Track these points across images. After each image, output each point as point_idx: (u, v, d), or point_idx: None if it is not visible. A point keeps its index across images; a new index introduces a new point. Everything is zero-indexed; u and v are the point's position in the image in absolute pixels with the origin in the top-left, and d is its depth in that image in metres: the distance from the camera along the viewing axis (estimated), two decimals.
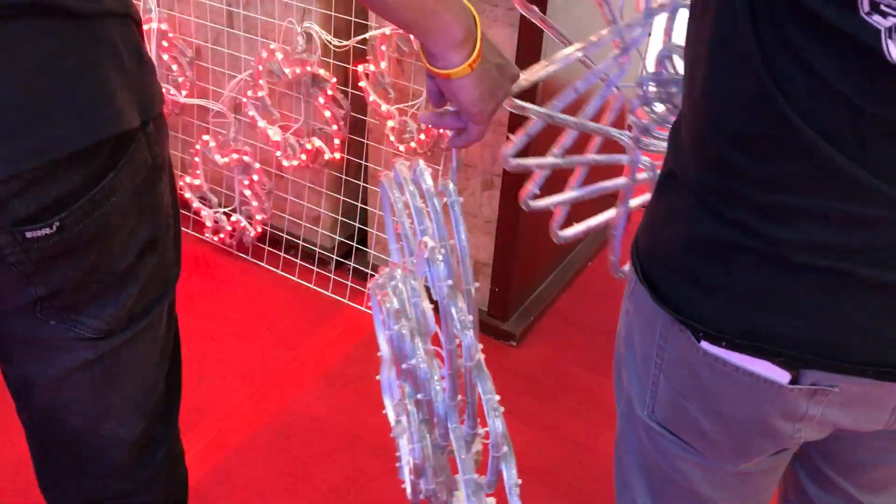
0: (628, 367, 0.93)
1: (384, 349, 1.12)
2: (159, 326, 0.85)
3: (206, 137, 2.15)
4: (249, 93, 2.04)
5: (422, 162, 0.89)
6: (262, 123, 2.05)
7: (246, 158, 2.12)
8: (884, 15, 0.60)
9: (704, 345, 0.78)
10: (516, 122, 1.77)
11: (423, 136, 1.86)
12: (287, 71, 1.94)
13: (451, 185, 0.87)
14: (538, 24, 1.25)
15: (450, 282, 0.81)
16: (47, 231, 0.67)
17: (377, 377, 1.16)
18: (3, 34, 0.62)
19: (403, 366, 0.85)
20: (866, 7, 0.60)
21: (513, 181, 1.86)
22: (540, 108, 1.23)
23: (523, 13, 1.21)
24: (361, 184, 2.08)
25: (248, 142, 2.13)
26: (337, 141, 1.98)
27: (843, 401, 0.79)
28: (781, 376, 0.77)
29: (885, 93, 0.64)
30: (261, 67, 1.98)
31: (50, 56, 0.64)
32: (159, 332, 0.85)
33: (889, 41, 0.61)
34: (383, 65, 1.84)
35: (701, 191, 0.75)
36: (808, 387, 0.77)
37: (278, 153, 2.05)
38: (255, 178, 2.13)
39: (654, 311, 0.82)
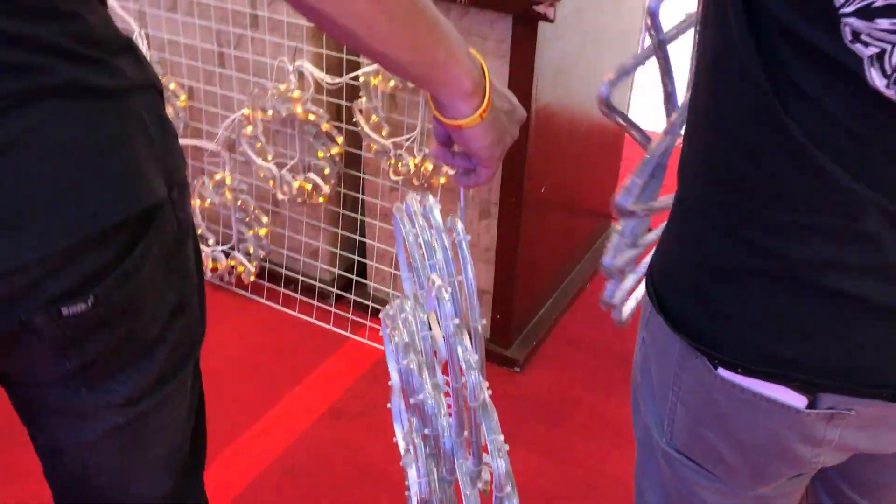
0: (645, 395, 0.94)
1: (394, 378, 1.13)
2: (186, 385, 0.86)
3: (201, 177, 2.17)
4: (243, 131, 2.05)
5: (432, 197, 0.90)
6: (257, 161, 2.06)
7: (242, 196, 2.13)
8: (865, 44, 0.62)
9: (721, 371, 0.79)
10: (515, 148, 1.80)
11: (420, 167, 1.88)
12: (280, 109, 1.95)
13: (459, 223, 0.89)
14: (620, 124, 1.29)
15: (456, 320, 0.82)
16: (83, 307, 0.68)
17: (388, 405, 1.17)
18: (34, 115, 0.63)
19: (412, 400, 0.87)
20: (848, 36, 0.62)
21: (510, 210, 1.88)
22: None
23: (604, 115, 1.24)
24: (359, 217, 2.10)
25: (244, 180, 2.15)
26: (332, 176, 2.00)
27: (860, 424, 0.80)
28: (798, 401, 0.78)
29: (874, 117, 0.65)
30: (253, 106, 2.00)
31: (80, 134, 0.65)
32: (186, 391, 0.86)
33: (872, 69, 0.63)
34: (376, 100, 1.86)
35: (710, 211, 0.77)
36: (825, 411, 0.78)
37: (274, 190, 2.07)
38: (252, 216, 2.14)
39: (670, 338, 0.83)
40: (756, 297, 0.76)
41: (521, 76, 1.70)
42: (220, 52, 2.05)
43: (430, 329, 0.89)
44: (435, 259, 0.88)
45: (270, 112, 1.98)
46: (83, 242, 0.66)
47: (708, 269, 0.79)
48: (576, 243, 2.37)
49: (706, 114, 0.74)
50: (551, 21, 1.58)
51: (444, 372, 0.87)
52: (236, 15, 1.97)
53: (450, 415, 0.85)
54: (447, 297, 0.82)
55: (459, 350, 0.80)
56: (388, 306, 0.93)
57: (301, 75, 1.93)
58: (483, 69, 0.74)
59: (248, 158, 2.08)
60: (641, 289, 1.38)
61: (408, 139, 1.89)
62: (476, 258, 2.01)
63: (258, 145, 2.05)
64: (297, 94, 1.93)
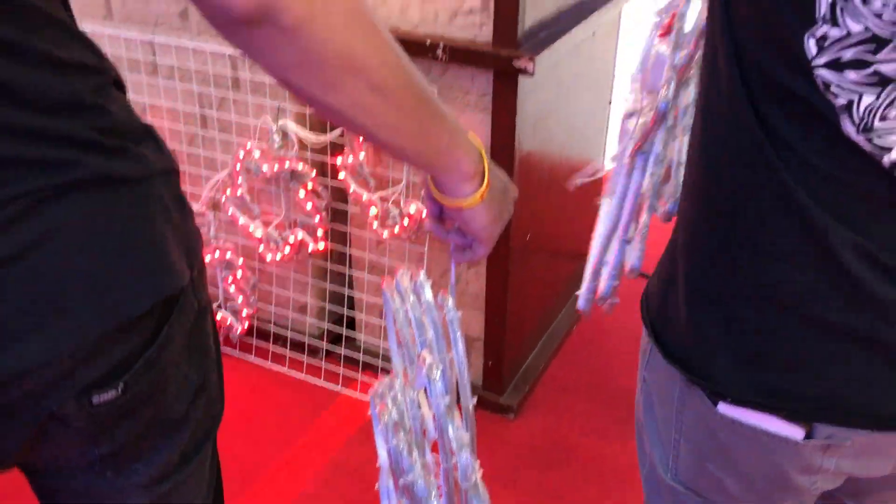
0: (649, 432, 0.96)
1: (383, 458, 1.11)
2: (206, 462, 0.86)
3: None
4: (228, 191, 2.06)
5: (423, 274, 0.91)
6: (242, 220, 2.07)
7: (228, 255, 2.13)
8: (835, 95, 0.65)
9: (721, 408, 0.81)
10: None
11: (406, 222, 1.90)
12: (265, 168, 1.97)
13: (450, 300, 0.90)
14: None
15: (447, 399, 0.83)
16: (113, 394, 0.68)
17: (376, 486, 1.16)
18: (62, 210, 0.64)
19: (401, 481, 0.86)
20: (821, 86, 0.65)
21: (497, 257, 1.90)
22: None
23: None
24: (347, 270, 2.11)
25: (230, 238, 2.15)
26: (320, 231, 2.01)
27: (854, 452, 0.82)
28: (796, 433, 0.80)
29: (849, 162, 0.68)
30: (238, 167, 2.01)
31: (108, 225, 0.66)
32: (206, 467, 0.86)
33: (843, 117, 0.66)
34: (361, 155, 1.88)
35: (703, 243, 0.80)
36: (822, 441, 0.80)
37: (261, 248, 2.07)
38: (239, 273, 2.14)
39: (670, 374, 0.85)
40: (749, 328, 0.78)
41: (504, 128, 1.74)
42: (203, 114, 2.07)
43: (420, 408, 0.89)
44: (425, 336, 0.89)
45: (254, 171, 1.99)
46: (113, 332, 0.67)
47: (701, 300, 0.81)
48: (560, 287, 2.40)
49: (700, 153, 0.78)
50: (531, 75, 1.62)
51: (434, 450, 0.87)
52: (218, 77, 2.00)
53: (440, 496, 0.86)
54: (438, 375, 0.83)
55: (450, 429, 0.81)
56: (376, 383, 0.93)
57: (285, 134, 1.95)
58: (481, 151, 0.77)
59: (233, 218, 2.08)
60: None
61: (394, 192, 1.91)
62: (466, 305, 2.02)
63: (243, 204, 2.06)
64: (281, 152, 1.95)
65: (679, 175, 1.23)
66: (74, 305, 0.64)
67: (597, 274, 1.41)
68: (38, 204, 0.62)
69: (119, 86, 0.72)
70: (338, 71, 0.61)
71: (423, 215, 1.87)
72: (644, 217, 1.30)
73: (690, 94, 1.15)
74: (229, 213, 2.08)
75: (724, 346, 0.80)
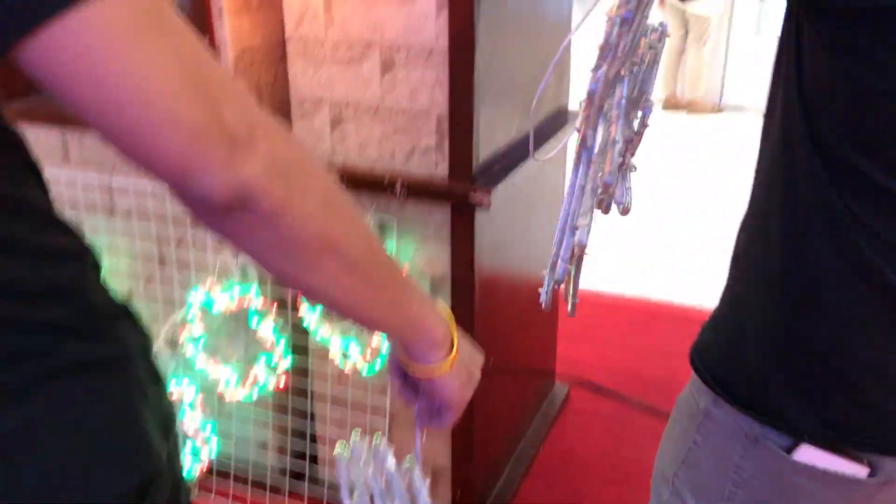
0: (691, 493, 0.99)
1: None
2: None
3: None
4: (186, 330, 2.04)
5: (384, 443, 0.90)
6: (200, 359, 2.04)
7: (186, 395, 2.09)
8: None
9: (796, 455, 0.88)
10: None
11: (368, 354, 1.89)
12: (224, 305, 1.96)
13: (416, 471, 0.88)
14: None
15: None
16: None
17: None
18: (43, 399, 0.62)
19: None
20: None
21: None
22: None
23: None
24: (308, 405, 2.08)
25: (189, 377, 2.11)
26: (280, 367, 1.99)
27: None
28: (861, 472, 0.88)
29: None
30: (197, 304, 2.00)
31: (87, 411, 0.65)
32: None
33: None
34: None
35: (782, 311, 0.87)
36: (883, 479, 0.88)
37: (220, 386, 2.04)
38: (199, 413, 2.09)
39: (733, 428, 0.91)
40: (825, 381, 0.86)
41: (462, 258, 1.77)
42: (161, 252, 2.07)
43: None
44: None
45: (213, 308, 1.98)
46: None
47: (778, 356, 0.88)
48: (525, 406, 2.39)
49: (779, 234, 0.85)
50: (487, 208, 1.67)
51: None
52: (176, 216, 2.01)
53: None
54: None
55: None
56: None
57: (244, 269, 1.96)
58: (449, 318, 0.79)
59: (191, 356, 2.05)
60: None
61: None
62: (431, 435, 2.00)
63: (202, 342, 2.04)
64: (240, 289, 1.95)
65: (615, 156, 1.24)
66: (54, 495, 0.63)
67: (554, 266, 1.42)
68: (19, 394, 0.61)
69: (96, 266, 0.72)
70: (316, 252, 0.62)
71: (382, 347, 1.87)
72: (588, 202, 1.30)
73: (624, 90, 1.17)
74: (187, 352, 2.06)
75: (799, 393, 0.87)
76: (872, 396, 0.85)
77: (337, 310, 0.70)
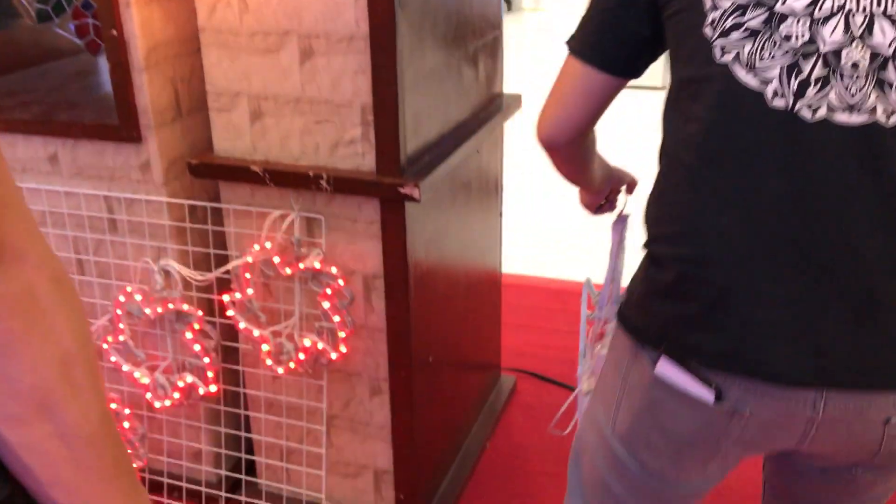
0: (597, 397, 1.20)
1: None
2: None
3: None
4: (110, 338, 1.94)
5: None
6: (126, 367, 1.94)
7: (113, 406, 1.99)
8: (728, 53, 0.96)
9: (657, 368, 1.03)
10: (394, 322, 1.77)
11: (301, 356, 1.81)
12: (148, 311, 1.87)
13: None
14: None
15: None
16: None
17: None
18: None
19: None
20: (718, 54, 0.96)
21: (400, 384, 1.83)
22: None
23: None
24: (242, 412, 1.99)
25: (114, 387, 2.01)
26: (210, 373, 1.90)
27: (756, 424, 1.02)
28: (708, 396, 1.01)
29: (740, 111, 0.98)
30: (119, 311, 1.90)
31: None
32: None
33: (735, 66, 0.95)
34: (249, 290, 1.81)
35: (646, 245, 1.09)
36: (727, 407, 1.01)
37: (148, 395, 1.94)
38: (126, 424, 1.99)
39: (626, 346, 1.10)
40: (664, 297, 1.04)
41: (395, 253, 1.70)
42: (79, 259, 1.96)
43: None
44: None
45: (137, 315, 1.88)
46: None
47: (642, 281, 1.08)
48: (470, 402, 2.33)
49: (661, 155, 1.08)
50: (417, 201, 1.60)
51: None
52: (93, 220, 1.90)
53: None
54: None
55: None
56: None
57: (167, 274, 1.86)
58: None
59: (116, 365, 1.95)
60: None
61: (286, 326, 1.83)
62: (372, 437, 1.93)
63: (127, 350, 1.94)
64: (164, 293, 1.85)
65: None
66: None
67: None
68: None
69: None
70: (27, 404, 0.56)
71: (319, 347, 1.80)
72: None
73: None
74: (112, 361, 1.95)
75: (655, 314, 1.06)
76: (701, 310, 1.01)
77: (26, 481, 0.60)
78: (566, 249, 3.59)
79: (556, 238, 3.70)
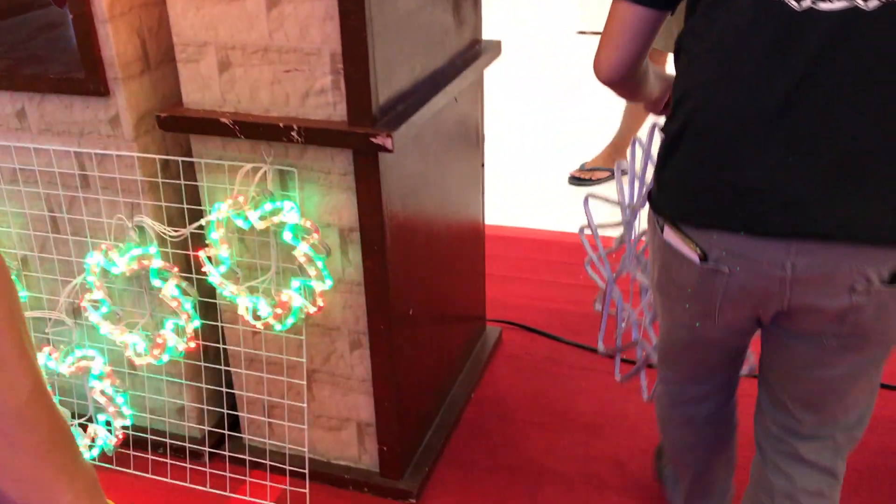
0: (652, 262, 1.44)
1: None
2: None
3: (47, 349, 2.00)
4: (87, 296, 1.92)
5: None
6: (105, 325, 1.93)
7: (94, 363, 1.98)
8: None
9: (664, 234, 1.31)
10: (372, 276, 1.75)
11: (279, 311, 1.80)
12: (124, 268, 1.84)
13: None
14: None
15: None
16: None
17: None
18: None
19: None
20: None
21: (380, 337, 1.82)
22: None
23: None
24: (223, 367, 1.98)
25: (94, 345, 2.00)
26: (189, 329, 1.89)
27: (737, 283, 1.24)
28: (695, 257, 1.26)
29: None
30: (95, 268, 1.88)
31: None
32: None
33: None
34: (224, 247, 1.78)
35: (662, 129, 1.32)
36: (710, 266, 1.24)
37: (128, 352, 1.93)
38: (107, 383, 1.98)
39: (650, 220, 1.38)
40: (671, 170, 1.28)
41: (370, 205, 1.67)
42: (53, 216, 1.94)
43: None
44: None
45: (113, 272, 1.86)
46: None
47: (658, 162, 1.31)
48: (454, 354, 2.33)
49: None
50: (390, 151, 1.57)
51: None
52: (65, 177, 1.87)
53: None
54: None
55: None
56: None
57: (142, 230, 1.84)
58: None
59: (95, 323, 1.94)
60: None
61: (263, 281, 1.81)
62: (354, 390, 1.93)
63: (104, 308, 1.92)
64: (139, 250, 1.83)
65: None
66: None
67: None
68: None
69: None
70: None
71: (293, 302, 1.78)
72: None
73: None
74: (90, 319, 1.94)
75: (663, 187, 1.30)
76: (707, 172, 1.21)
77: None
78: (550, 199, 3.56)
79: (540, 188, 3.66)
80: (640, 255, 1.91)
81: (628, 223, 1.88)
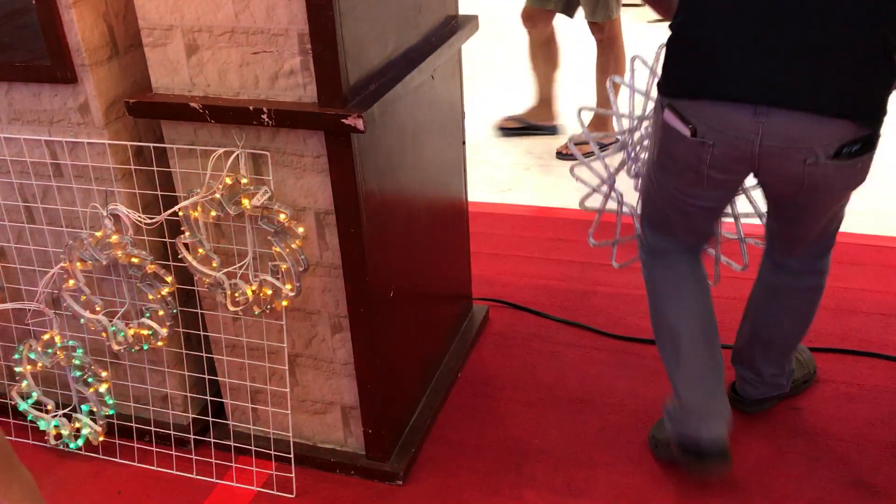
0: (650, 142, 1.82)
1: None
2: None
3: (28, 340, 1.99)
4: (66, 285, 1.90)
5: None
6: (85, 315, 1.91)
7: (75, 353, 1.96)
8: None
9: (664, 115, 1.62)
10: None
11: (261, 296, 1.78)
12: (100, 257, 1.82)
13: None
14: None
15: None
16: None
17: None
18: None
19: None
20: None
21: (360, 320, 1.81)
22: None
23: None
24: (204, 355, 1.97)
25: (75, 335, 1.98)
26: (169, 317, 1.87)
27: (721, 154, 1.57)
28: (687, 131, 1.58)
29: None
30: (71, 258, 1.86)
31: None
32: None
33: None
34: (200, 233, 1.76)
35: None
36: (699, 140, 1.57)
37: (109, 342, 1.92)
38: (90, 371, 1.97)
39: (657, 104, 1.68)
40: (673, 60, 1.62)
41: (345, 187, 1.65)
42: (27, 206, 1.91)
43: None
44: None
45: (90, 261, 1.84)
46: None
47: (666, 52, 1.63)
48: (440, 333, 2.32)
49: None
50: (362, 132, 1.55)
51: None
52: (37, 166, 1.85)
53: None
54: None
55: None
56: None
57: (117, 218, 1.81)
58: None
59: (74, 313, 1.92)
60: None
61: (240, 266, 1.79)
62: (337, 374, 1.92)
63: (83, 298, 1.91)
64: (115, 238, 1.81)
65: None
66: None
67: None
68: None
69: None
70: None
71: (269, 293, 1.76)
72: None
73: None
74: (70, 309, 1.92)
75: (665, 71, 1.63)
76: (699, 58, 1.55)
77: None
78: (535, 176, 3.53)
79: (524, 164, 3.64)
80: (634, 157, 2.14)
81: (631, 130, 2.09)
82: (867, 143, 1.53)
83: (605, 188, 2.14)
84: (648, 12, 5.34)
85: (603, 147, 2.29)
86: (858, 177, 1.60)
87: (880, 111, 1.52)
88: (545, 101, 3.80)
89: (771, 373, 2.00)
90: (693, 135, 1.56)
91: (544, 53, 3.70)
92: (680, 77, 1.58)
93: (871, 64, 1.46)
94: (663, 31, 1.64)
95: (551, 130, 3.82)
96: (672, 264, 1.87)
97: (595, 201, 2.17)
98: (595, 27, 3.50)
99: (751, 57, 1.47)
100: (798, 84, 1.46)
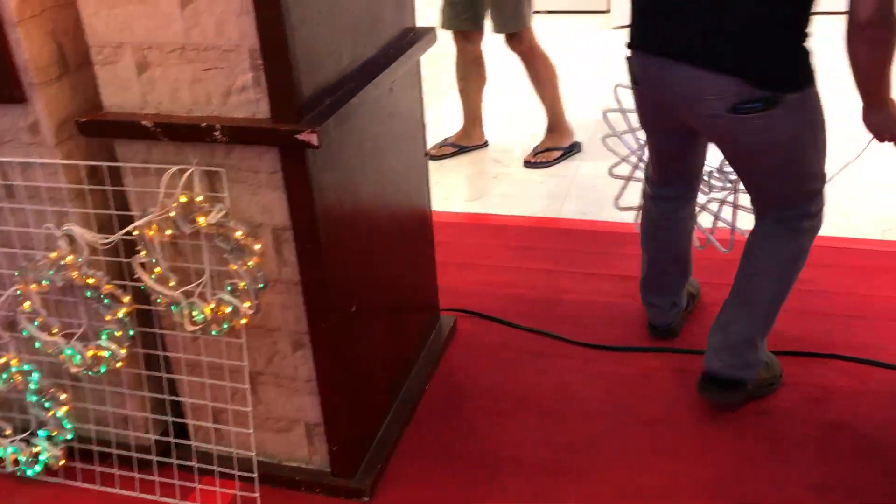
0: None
1: None
2: None
3: None
4: (21, 308, 1.86)
5: None
6: (41, 338, 1.87)
7: (32, 377, 1.93)
8: None
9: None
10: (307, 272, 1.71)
11: (219, 314, 1.75)
12: (56, 279, 1.79)
13: None
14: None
15: None
16: None
17: None
18: None
19: None
20: None
21: (322, 336, 1.79)
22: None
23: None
24: (164, 375, 1.94)
25: (32, 359, 1.95)
26: (126, 338, 1.84)
27: (652, 100, 1.98)
28: (632, 83, 2.01)
29: None
30: (26, 281, 1.82)
31: None
32: None
33: None
34: (156, 252, 1.73)
35: None
36: (639, 88, 1.98)
37: (67, 364, 1.88)
38: (47, 394, 1.93)
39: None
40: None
41: (301, 203, 1.63)
42: None
43: None
44: None
45: (46, 283, 1.81)
46: None
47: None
48: (407, 346, 2.30)
49: None
50: (316, 147, 1.53)
51: None
52: None
53: None
54: None
55: None
56: None
57: (71, 239, 1.78)
58: None
59: (31, 336, 1.88)
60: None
61: (198, 285, 1.76)
62: (299, 391, 1.89)
63: (40, 320, 1.87)
64: (70, 259, 1.77)
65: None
66: None
67: None
68: None
69: None
70: None
71: (228, 311, 1.74)
72: None
73: None
74: (26, 332, 1.88)
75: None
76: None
77: None
78: (501, 185, 3.53)
79: (492, 173, 3.63)
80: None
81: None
82: (767, 102, 1.71)
83: (633, 158, 2.54)
84: (613, 18, 5.36)
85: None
86: (768, 135, 1.77)
87: (776, 74, 1.71)
88: (474, 119, 3.72)
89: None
90: (636, 84, 1.96)
91: (474, 70, 3.64)
92: (631, 31, 1.92)
93: (758, 26, 1.68)
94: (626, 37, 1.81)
95: (483, 146, 3.81)
96: (655, 212, 2.24)
97: (622, 170, 2.65)
98: (512, 39, 3.45)
99: (660, 15, 1.79)
100: (694, 41, 1.73)
